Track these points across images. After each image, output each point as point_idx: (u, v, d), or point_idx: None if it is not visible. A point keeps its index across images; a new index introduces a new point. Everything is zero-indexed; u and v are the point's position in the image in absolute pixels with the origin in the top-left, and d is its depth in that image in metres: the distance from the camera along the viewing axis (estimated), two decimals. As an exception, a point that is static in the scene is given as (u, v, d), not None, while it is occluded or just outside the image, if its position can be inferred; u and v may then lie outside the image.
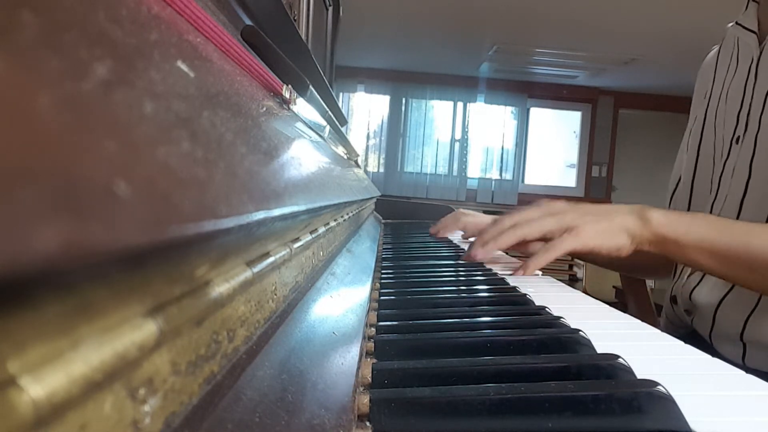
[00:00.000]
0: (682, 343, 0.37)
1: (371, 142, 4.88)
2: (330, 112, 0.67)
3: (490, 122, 4.89)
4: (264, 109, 0.28)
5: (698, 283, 0.73)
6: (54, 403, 0.08)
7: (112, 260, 0.09)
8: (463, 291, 0.52)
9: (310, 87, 0.49)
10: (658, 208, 0.61)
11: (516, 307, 0.43)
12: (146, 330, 0.12)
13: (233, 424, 0.14)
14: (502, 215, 0.70)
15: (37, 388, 0.08)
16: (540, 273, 0.66)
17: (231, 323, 0.18)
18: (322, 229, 0.39)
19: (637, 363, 0.27)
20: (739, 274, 0.58)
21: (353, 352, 0.27)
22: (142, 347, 0.11)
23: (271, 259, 0.23)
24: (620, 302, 2.56)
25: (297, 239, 0.30)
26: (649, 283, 1.26)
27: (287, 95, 0.38)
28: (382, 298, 0.45)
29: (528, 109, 4.92)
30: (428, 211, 1.68)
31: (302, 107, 0.43)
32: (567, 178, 5.01)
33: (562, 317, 0.38)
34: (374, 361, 0.29)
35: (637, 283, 1.13)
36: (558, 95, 4.86)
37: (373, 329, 0.35)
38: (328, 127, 0.64)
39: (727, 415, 0.25)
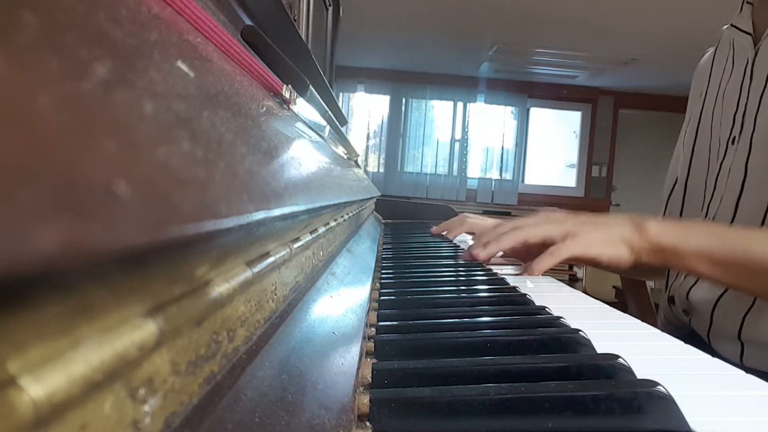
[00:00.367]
0: (681, 343, 0.37)
1: (371, 142, 4.88)
2: (330, 112, 0.67)
3: (490, 122, 4.89)
4: (264, 109, 0.28)
5: (695, 283, 0.73)
6: (54, 403, 0.08)
7: (112, 260, 0.09)
8: (463, 291, 0.52)
9: (310, 87, 0.49)
10: (655, 218, 0.61)
11: (516, 307, 0.43)
12: (146, 330, 0.12)
13: (233, 424, 0.14)
14: (504, 221, 0.71)
15: (37, 388, 0.08)
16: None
17: (231, 323, 0.18)
18: (322, 229, 0.39)
19: (637, 363, 0.27)
20: (739, 281, 0.58)
21: (353, 352, 0.27)
22: (142, 347, 0.11)
23: (271, 259, 0.23)
24: (620, 302, 2.56)
25: (297, 239, 0.30)
26: (649, 283, 1.26)
27: (287, 95, 0.38)
28: (382, 298, 0.45)
29: (528, 109, 4.93)
30: (428, 211, 1.68)
31: (302, 107, 0.43)
32: (567, 178, 5.01)
33: (562, 317, 0.38)
34: (374, 361, 0.29)
35: (637, 283, 1.14)
36: (558, 95, 4.86)
37: (373, 329, 0.35)
38: (328, 127, 0.64)
39: (727, 415, 0.25)
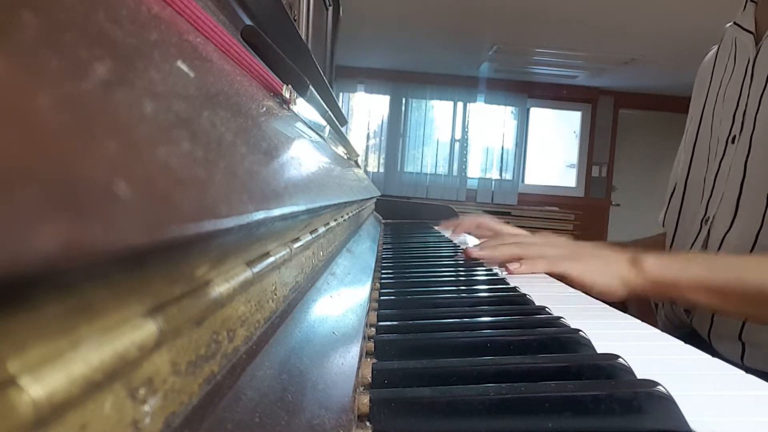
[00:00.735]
0: (681, 343, 0.37)
1: (371, 142, 4.88)
2: (330, 112, 0.67)
3: (490, 122, 4.89)
4: (264, 109, 0.28)
5: None
6: (54, 403, 0.08)
7: (112, 260, 0.09)
8: (463, 291, 0.52)
9: (310, 87, 0.49)
10: (650, 254, 0.62)
11: (516, 307, 0.43)
12: (146, 330, 0.12)
13: (233, 424, 0.14)
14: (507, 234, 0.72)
15: (37, 388, 0.08)
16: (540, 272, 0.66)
17: (231, 323, 0.18)
18: (322, 229, 0.39)
19: (637, 363, 0.27)
20: (739, 308, 0.59)
21: (353, 352, 0.27)
22: (142, 347, 0.11)
23: (271, 259, 0.23)
24: (620, 302, 2.55)
25: (297, 239, 0.30)
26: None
27: (287, 95, 0.38)
28: (382, 298, 0.45)
29: (528, 109, 4.92)
30: (428, 211, 1.68)
31: (302, 107, 0.43)
32: (567, 178, 5.00)
33: (562, 317, 0.38)
34: (374, 361, 0.29)
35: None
36: (558, 95, 4.86)
37: (373, 329, 0.35)
38: (328, 127, 0.64)
39: (727, 415, 0.25)
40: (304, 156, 0.32)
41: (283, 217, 0.20)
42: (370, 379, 0.26)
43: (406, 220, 1.60)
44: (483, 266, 0.67)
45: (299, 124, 0.39)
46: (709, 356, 0.34)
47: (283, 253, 0.25)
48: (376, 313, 0.39)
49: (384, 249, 0.85)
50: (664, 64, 3.93)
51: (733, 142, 0.72)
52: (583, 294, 0.56)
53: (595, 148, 4.95)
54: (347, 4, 1.66)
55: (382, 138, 4.86)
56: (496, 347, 0.31)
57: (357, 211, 0.80)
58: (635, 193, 5.18)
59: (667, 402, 0.22)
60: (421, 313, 0.40)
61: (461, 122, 4.86)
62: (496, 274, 0.62)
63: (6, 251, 0.06)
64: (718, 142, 0.75)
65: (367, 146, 4.84)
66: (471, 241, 1.05)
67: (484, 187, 4.87)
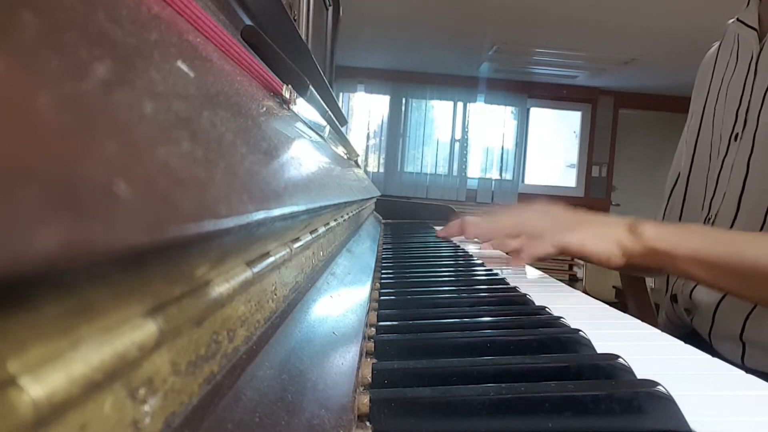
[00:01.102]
0: (681, 343, 0.37)
1: (371, 142, 4.88)
2: (330, 112, 0.67)
3: (490, 122, 4.89)
4: (264, 109, 0.28)
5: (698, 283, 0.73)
6: (54, 403, 0.08)
7: (112, 260, 0.09)
8: (463, 291, 0.52)
9: (310, 87, 0.49)
10: (650, 221, 0.61)
11: (516, 307, 0.43)
12: (146, 330, 0.12)
13: (233, 424, 0.14)
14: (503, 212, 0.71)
15: (37, 388, 0.08)
16: (540, 272, 0.66)
17: (231, 323, 0.18)
18: (322, 229, 0.39)
19: (637, 363, 0.27)
20: (731, 285, 0.58)
21: (353, 352, 0.27)
22: (142, 347, 0.11)
23: (271, 259, 0.23)
24: (620, 302, 2.56)
25: (297, 239, 0.30)
26: (649, 283, 1.26)
27: (287, 95, 0.38)
28: (382, 298, 0.45)
29: (528, 109, 4.92)
30: (428, 211, 1.68)
31: (302, 107, 0.43)
32: (567, 178, 5.00)
33: (562, 317, 0.38)
34: (374, 361, 0.29)
35: (637, 283, 1.13)
36: (558, 95, 4.86)
37: (373, 329, 0.35)
38: (328, 127, 0.64)
39: (727, 415, 0.25)
40: (304, 156, 0.32)
41: (283, 217, 0.20)
42: (370, 379, 0.26)
43: (406, 220, 1.59)
44: (483, 266, 0.67)
45: (299, 124, 0.39)
46: (709, 356, 0.34)
47: (283, 253, 0.25)
48: (376, 313, 0.39)
49: (384, 249, 0.85)
50: (664, 64, 3.93)
51: (735, 139, 0.72)
52: (583, 294, 0.56)
53: (595, 148, 4.95)
54: (347, 4, 1.66)
55: (382, 138, 4.86)
56: (496, 347, 0.31)
57: (357, 211, 0.80)
58: (635, 193, 5.18)
59: (667, 402, 0.22)
60: (421, 313, 0.40)
61: (461, 122, 4.86)
62: (496, 274, 0.62)
63: (6, 251, 0.06)
64: (721, 140, 0.75)
65: (367, 146, 4.85)
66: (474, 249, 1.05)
67: (484, 187, 4.87)
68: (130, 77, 0.12)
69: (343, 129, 1.04)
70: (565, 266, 4.41)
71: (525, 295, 0.46)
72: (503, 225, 0.65)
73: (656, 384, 0.23)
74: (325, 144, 0.55)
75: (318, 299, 0.31)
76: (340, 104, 1.80)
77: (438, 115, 4.91)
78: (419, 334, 0.34)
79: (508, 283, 0.54)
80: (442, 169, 4.86)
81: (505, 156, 4.92)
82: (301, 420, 0.18)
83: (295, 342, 0.23)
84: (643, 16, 3.04)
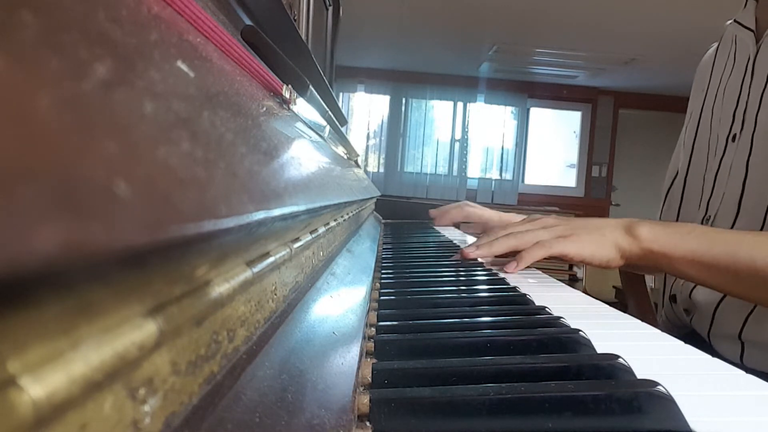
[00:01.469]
0: (681, 343, 0.37)
1: (371, 142, 4.88)
2: (330, 112, 0.67)
3: (490, 122, 4.89)
4: (264, 109, 0.28)
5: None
6: (54, 403, 0.08)
7: (112, 260, 0.09)
8: (463, 291, 0.52)
9: (310, 87, 0.49)
10: (646, 222, 0.61)
11: (516, 307, 0.43)
12: (146, 330, 0.12)
13: (233, 424, 0.14)
14: (497, 228, 0.71)
15: (37, 388, 0.08)
16: (540, 272, 0.66)
17: (231, 323, 0.18)
18: (322, 229, 0.39)
19: (637, 363, 0.27)
20: (726, 284, 0.58)
21: (353, 352, 0.27)
22: (142, 347, 0.11)
23: (271, 259, 0.23)
24: (620, 302, 2.56)
25: (297, 239, 0.30)
26: (649, 283, 1.26)
27: (287, 95, 0.38)
28: (382, 298, 0.45)
29: (528, 109, 4.92)
30: (428, 211, 1.68)
31: (302, 107, 0.43)
32: (567, 178, 5.00)
33: (562, 317, 0.38)
34: (374, 361, 0.29)
35: (637, 283, 1.13)
36: (558, 95, 4.86)
37: (373, 329, 0.35)
38: (328, 127, 0.64)
39: (727, 415, 0.25)
40: (304, 156, 0.32)
41: (283, 217, 0.20)
42: (370, 379, 0.26)
43: (406, 220, 1.59)
44: (483, 266, 0.67)
45: (299, 124, 0.39)
46: (709, 356, 0.34)
47: (283, 253, 0.25)
48: (376, 313, 0.39)
49: (384, 249, 0.85)
50: (664, 64, 3.94)
51: (733, 140, 0.72)
52: (583, 294, 0.56)
53: (595, 148, 4.95)
54: (347, 4, 1.66)
55: (382, 138, 4.86)
56: (496, 347, 0.31)
57: (357, 211, 0.80)
58: (635, 193, 5.18)
59: (667, 402, 0.22)
60: (421, 313, 0.40)
61: (461, 122, 4.86)
62: (495, 274, 0.62)
63: (6, 251, 0.06)
64: (718, 140, 0.75)
65: (367, 146, 4.85)
66: (469, 239, 1.05)
67: (484, 187, 4.87)
68: (130, 77, 0.12)
69: (343, 129, 1.04)
70: (565, 266, 4.40)
71: (525, 295, 0.46)
72: (501, 247, 0.66)
73: (656, 384, 0.23)
74: (325, 144, 0.55)
75: (318, 299, 0.31)
76: (340, 104, 1.80)
77: (438, 115, 4.91)
78: (419, 334, 0.34)
79: (508, 283, 0.54)
80: (442, 169, 4.86)
81: (505, 156, 4.92)
82: (301, 420, 0.18)
83: (295, 342, 0.23)
84: (643, 16, 3.04)
